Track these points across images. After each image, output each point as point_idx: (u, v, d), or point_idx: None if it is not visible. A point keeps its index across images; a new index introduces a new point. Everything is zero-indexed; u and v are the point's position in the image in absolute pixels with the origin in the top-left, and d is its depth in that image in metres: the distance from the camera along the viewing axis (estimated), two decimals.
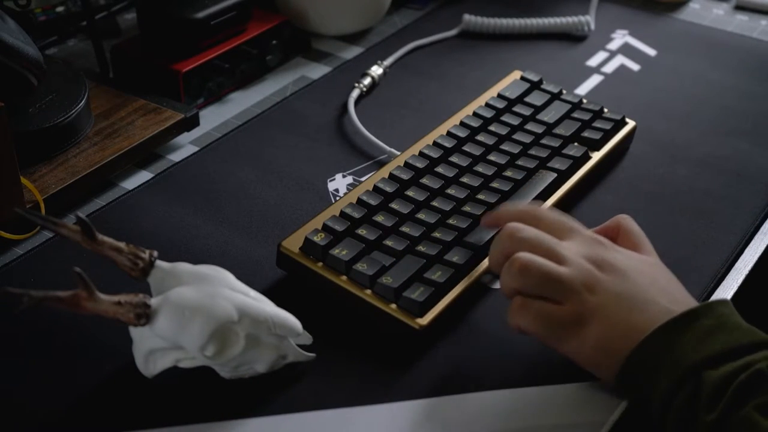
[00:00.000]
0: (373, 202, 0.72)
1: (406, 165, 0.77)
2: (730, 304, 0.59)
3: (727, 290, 0.71)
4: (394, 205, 0.72)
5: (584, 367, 0.61)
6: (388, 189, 0.74)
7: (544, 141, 0.81)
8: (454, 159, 0.78)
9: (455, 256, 0.68)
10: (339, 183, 0.81)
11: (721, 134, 0.89)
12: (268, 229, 0.76)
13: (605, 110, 0.86)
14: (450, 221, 0.71)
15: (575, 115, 0.85)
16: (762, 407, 0.53)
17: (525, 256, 0.60)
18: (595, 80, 0.98)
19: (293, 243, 0.69)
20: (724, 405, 0.53)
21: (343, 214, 0.71)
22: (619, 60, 1.01)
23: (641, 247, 0.65)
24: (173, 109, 0.85)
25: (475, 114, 0.84)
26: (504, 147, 0.80)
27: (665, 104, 0.94)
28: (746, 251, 0.75)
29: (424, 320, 0.64)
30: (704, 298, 0.70)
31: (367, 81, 0.93)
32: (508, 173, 0.77)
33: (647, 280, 0.61)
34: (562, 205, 0.77)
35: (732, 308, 0.59)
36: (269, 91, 0.95)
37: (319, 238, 0.68)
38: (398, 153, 0.81)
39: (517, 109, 0.85)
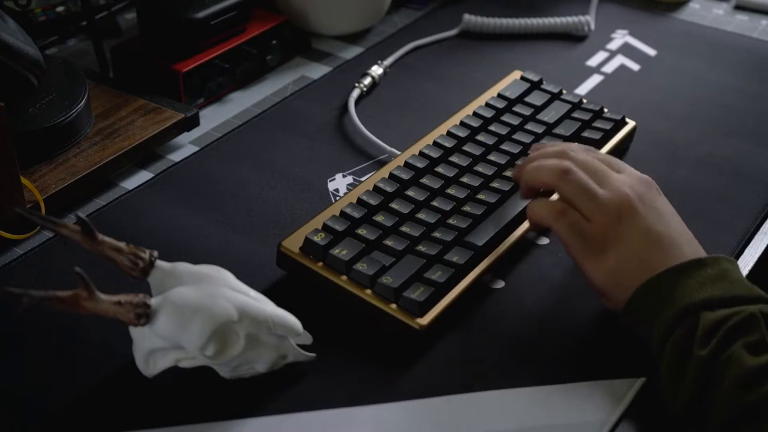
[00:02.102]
0: (373, 202, 0.72)
1: (406, 165, 0.77)
2: (735, 262, 0.63)
3: None
4: (394, 205, 0.72)
5: (593, 288, 0.65)
6: (388, 189, 0.74)
7: (544, 141, 0.81)
8: (454, 159, 0.78)
9: (455, 256, 0.68)
10: (339, 183, 0.81)
11: (721, 134, 0.89)
12: (268, 229, 0.76)
13: (605, 110, 0.86)
14: (450, 221, 0.71)
15: (575, 115, 0.85)
16: (750, 345, 0.56)
17: (570, 164, 0.64)
18: (595, 80, 0.98)
19: (293, 243, 0.69)
20: (716, 342, 0.57)
21: (343, 214, 0.71)
22: (619, 60, 1.01)
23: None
24: (173, 109, 0.85)
25: (475, 114, 0.84)
26: (504, 147, 0.80)
27: (665, 104, 0.94)
28: (746, 251, 0.75)
29: (424, 320, 0.64)
30: None
31: (367, 81, 0.94)
32: (509, 173, 0.77)
33: (679, 227, 0.65)
34: None
35: (737, 266, 0.62)
36: (269, 91, 0.95)
37: (319, 238, 0.68)
38: (398, 153, 0.81)
39: (517, 109, 0.85)
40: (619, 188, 0.64)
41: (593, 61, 1.01)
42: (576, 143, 0.70)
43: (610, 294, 0.64)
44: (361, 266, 0.66)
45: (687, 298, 0.60)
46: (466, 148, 0.79)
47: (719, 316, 0.58)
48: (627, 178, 0.66)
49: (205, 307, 0.57)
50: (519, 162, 0.70)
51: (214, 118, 0.91)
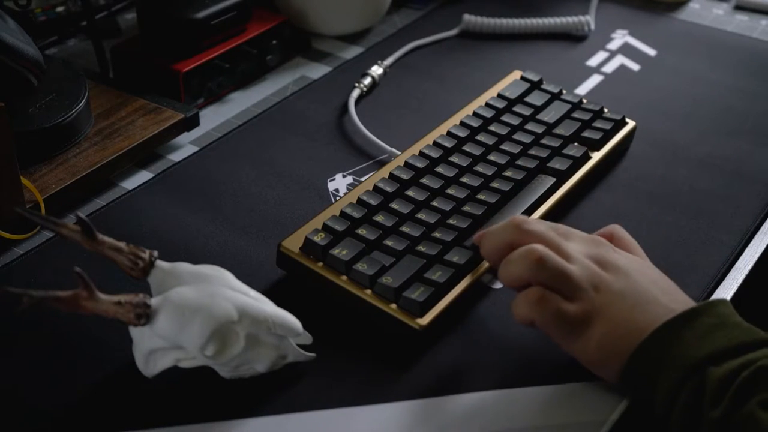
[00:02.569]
0: (373, 202, 0.72)
1: (407, 165, 0.77)
2: (730, 304, 0.60)
3: (727, 290, 0.71)
4: (394, 205, 0.72)
5: (588, 367, 0.61)
6: (389, 189, 0.74)
7: (544, 141, 0.81)
8: (454, 159, 0.78)
9: (455, 256, 0.68)
10: (339, 183, 0.81)
11: (721, 134, 0.89)
12: (268, 229, 0.76)
13: (605, 110, 0.86)
14: (450, 221, 0.71)
15: (575, 115, 0.85)
16: (765, 403, 0.53)
17: (541, 248, 0.60)
18: (595, 80, 0.98)
19: (293, 243, 0.69)
20: (729, 401, 0.54)
21: (343, 214, 0.71)
22: (619, 60, 1.01)
23: (636, 252, 0.66)
24: (173, 109, 0.85)
25: (475, 114, 0.84)
26: (504, 147, 0.80)
27: (665, 104, 0.94)
28: (746, 251, 0.75)
29: (424, 320, 0.64)
30: (704, 297, 0.70)
31: (367, 81, 0.93)
32: (508, 173, 0.77)
33: (647, 280, 0.62)
34: (563, 205, 0.77)
35: (731, 308, 0.60)
36: (269, 91, 0.95)
37: (319, 238, 0.68)
38: (398, 153, 0.81)
39: (517, 109, 0.85)
40: (583, 261, 0.61)
41: (593, 61, 1.01)
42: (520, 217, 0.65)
43: (604, 366, 0.60)
44: (361, 266, 0.66)
45: (689, 354, 0.56)
46: (466, 148, 0.79)
47: (727, 369, 0.55)
48: (581, 246, 0.63)
49: (205, 307, 0.57)
50: (474, 239, 0.67)
51: (214, 118, 0.91)
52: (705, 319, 0.58)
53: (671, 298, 0.60)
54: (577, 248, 0.62)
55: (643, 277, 0.61)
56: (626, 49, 1.03)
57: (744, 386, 0.54)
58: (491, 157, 0.79)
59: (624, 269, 0.61)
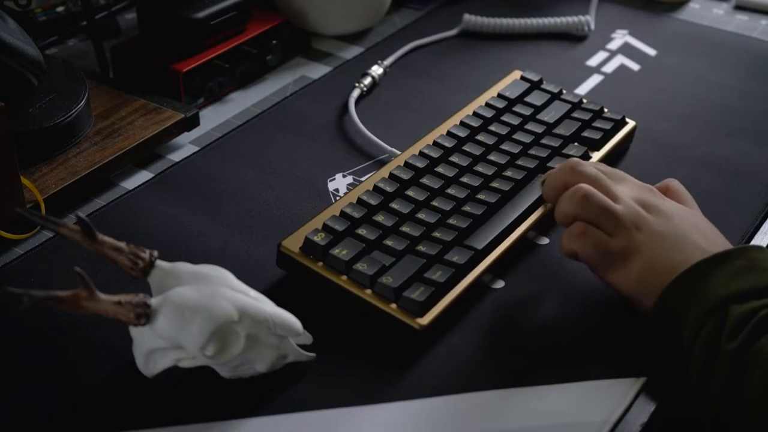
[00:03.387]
0: (373, 201, 0.72)
1: (407, 165, 0.77)
2: (765, 250, 0.63)
3: None
4: (394, 205, 0.72)
5: (624, 296, 0.65)
6: (389, 189, 0.74)
7: (544, 141, 0.81)
8: (454, 159, 0.78)
9: (455, 256, 0.68)
10: (339, 183, 0.81)
11: (721, 134, 0.89)
12: (268, 229, 0.76)
13: (605, 110, 0.86)
14: (450, 221, 0.71)
15: (575, 115, 0.85)
16: None
17: (588, 187, 0.66)
18: (595, 80, 0.98)
19: (293, 243, 0.69)
20: (744, 336, 0.57)
21: (343, 214, 0.71)
22: (619, 60, 1.01)
23: (688, 204, 0.70)
24: (173, 109, 0.85)
25: (475, 114, 0.84)
26: (504, 147, 0.80)
27: (665, 104, 0.94)
28: None
29: (424, 320, 0.64)
30: None
31: (367, 81, 0.93)
32: (509, 173, 0.77)
33: (690, 224, 0.66)
34: None
35: (766, 254, 0.62)
36: (269, 91, 0.95)
37: (319, 238, 0.68)
38: (398, 153, 0.81)
39: (517, 109, 0.85)
40: (628, 202, 0.66)
41: (593, 61, 1.01)
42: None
43: (640, 300, 0.64)
44: (361, 266, 0.66)
45: (715, 291, 0.60)
46: (466, 148, 0.79)
47: (748, 308, 0.58)
48: (630, 190, 0.68)
49: (205, 307, 0.57)
50: (542, 180, 0.72)
51: (214, 118, 0.91)
52: (736, 262, 0.61)
53: (710, 242, 0.64)
54: (626, 191, 0.68)
55: (686, 222, 0.66)
56: (626, 49, 1.03)
57: (760, 323, 0.57)
58: (491, 157, 0.79)
59: (667, 214, 0.66)
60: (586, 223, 0.66)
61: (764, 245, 0.76)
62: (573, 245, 0.66)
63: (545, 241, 0.75)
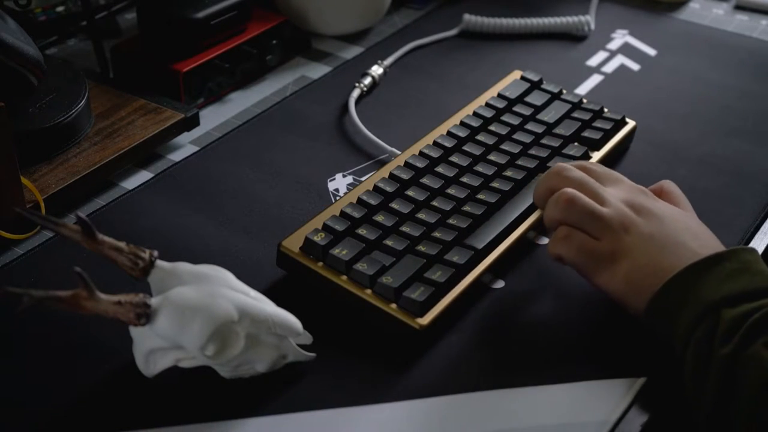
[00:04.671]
0: (373, 201, 0.72)
1: (407, 165, 0.77)
2: (756, 252, 0.63)
3: None
4: (394, 205, 0.72)
5: (614, 300, 0.64)
6: (389, 189, 0.74)
7: (544, 141, 0.81)
8: (454, 159, 0.78)
9: (455, 256, 0.68)
10: (339, 183, 0.81)
11: (721, 134, 0.89)
12: (268, 229, 0.76)
13: (605, 110, 0.86)
14: (450, 221, 0.71)
15: (575, 114, 0.85)
16: None
17: (572, 191, 0.65)
18: (595, 80, 0.98)
19: (293, 243, 0.69)
20: (737, 340, 0.56)
21: (343, 214, 0.71)
22: (619, 60, 1.01)
23: (681, 206, 0.69)
24: (173, 108, 0.85)
25: (475, 114, 0.84)
26: (504, 147, 0.80)
27: (665, 104, 0.94)
28: None
29: (424, 320, 0.64)
30: None
31: (367, 81, 0.93)
32: (509, 173, 0.77)
33: (681, 226, 0.65)
34: None
35: (757, 256, 0.62)
36: (269, 91, 0.95)
37: (319, 238, 0.68)
38: (398, 153, 0.81)
39: (517, 108, 0.85)
40: (617, 205, 0.65)
41: (593, 61, 1.01)
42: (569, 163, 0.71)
43: (629, 303, 0.64)
44: (361, 266, 0.66)
45: (706, 295, 0.59)
46: (466, 148, 0.79)
47: (740, 311, 0.57)
48: (620, 192, 0.67)
49: (205, 307, 0.57)
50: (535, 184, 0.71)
51: (214, 118, 0.91)
52: (728, 264, 0.60)
53: (701, 244, 0.63)
54: (615, 193, 0.67)
55: (677, 223, 0.65)
56: (626, 49, 1.03)
57: (753, 327, 0.56)
58: (491, 157, 0.79)
59: (658, 215, 0.65)
60: (571, 227, 0.65)
61: (763, 245, 0.76)
62: (558, 249, 0.66)
63: (545, 241, 0.75)
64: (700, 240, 0.64)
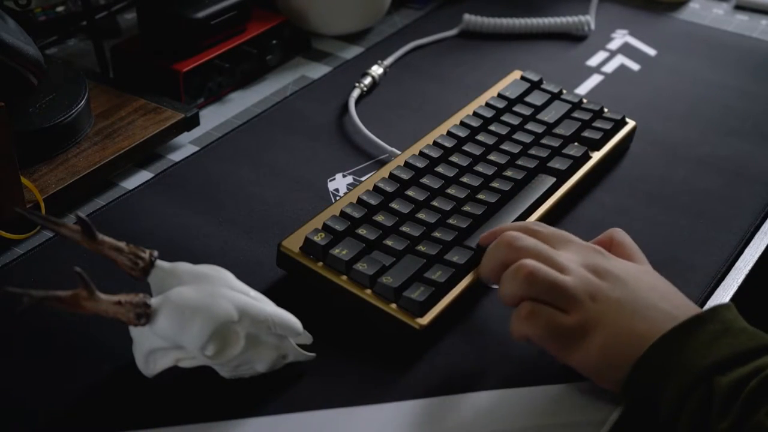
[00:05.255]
0: (373, 201, 0.72)
1: (407, 165, 0.77)
2: (734, 309, 0.59)
3: (727, 290, 0.71)
4: (394, 205, 0.72)
5: (589, 377, 0.60)
6: (389, 189, 0.74)
7: (544, 141, 0.81)
8: (454, 159, 0.78)
9: (455, 256, 0.68)
10: (339, 183, 0.81)
11: (721, 134, 0.89)
12: (268, 229, 0.76)
13: (605, 110, 0.86)
14: (450, 221, 0.71)
15: (575, 114, 0.85)
16: None
17: (531, 263, 0.60)
18: (595, 80, 0.98)
19: (293, 243, 0.69)
20: (737, 412, 0.53)
21: (343, 214, 0.71)
22: (619, 60, 1.01)
23: (635, 258, 0.65)
24: (173, 108, 0.85)
25: (475, 114, 0.84)
26: (504, 147, 0.80)
27: (665, 104, 0.94)
28: (746, 251, 0.75)
29: (425, 320, 0.64)
30: (704, 297, 0.70)
31: (367, 81, 0.93)
32: (509, 173, 0.77)
33: (646, 286, 0.61)
34: (563, 205, 0.77)
35: (736, 312, 0.59)
36: (269, 90, 0.95)
37: (319, 238, 0.68)
38: (398, 153, 0.81)
39: (517, 108, 0.85)
40: (577, 270, 0.60)
41: (593, 61, 1.01)
42: (515, 224, 0.66)
43: (606, 375, 0.59)
44: (361, 266, 0.66)
45: (695, 363, 0.55)
46: (466, 148, 0.79)
47: (734, 378, 0.54)
48: (575, 255, 0.62)
49: (205, 307, 0.57)
50: (480, 239, 0.68)
51: (214, 118, 0.91)
52: (709, 326, 0.57)
53: (672, 304, 0.60)
54: (572, 258, 0.62)
55: (641, 283, 0.61)
56: (626, 49, 1.03)
57: (752, 396, 0.53)
58: (491, 157, 0.79)
59: (621, 277, 0.60)
60: (534, 302, 0.60)
61: (763, 245, 0.76)
62: (523, 329, 0.60)
63: None
64: (669, 300, 0.60)
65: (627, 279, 0.61)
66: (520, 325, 0.60)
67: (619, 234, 0.66)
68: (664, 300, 0.60)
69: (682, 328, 0.57)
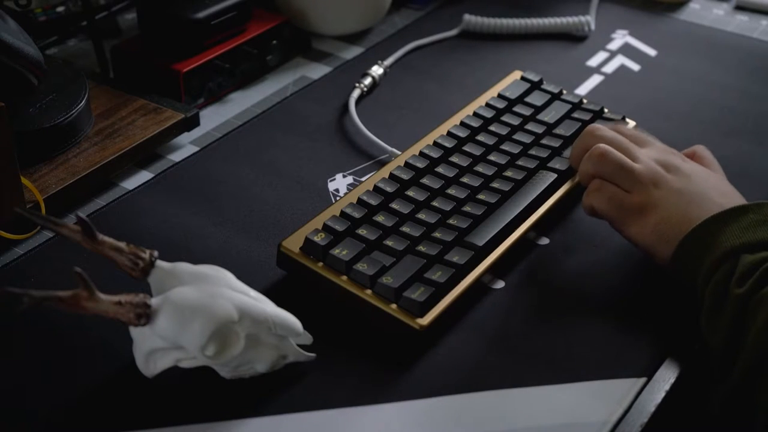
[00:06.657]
0: (373, 202, 0.72)
1: (407, 165, 0.77)
2: None
3: None
4: (394, 205, 0.72)
5: (642, 249, 0.68)
6: (389, 189, 0.74)
7: (544, 141, 0.81)
8: (454, 159, 0.78)
9: (455, 256, 0.68)
10: (339, 183, 0.81)
11: (721, 134, 0.89)
12: (268, 229, 0.76)
13: (605, 110, 0.86)
14: (450, 221, 0.71)
15: (575, 115, 0.85)
16: None
17: (605, 146, 0.70)
18: (595, 80, 0.98)
19: (293, 243, 0.69)
20: (753, 282, 0.60)
21: (343, 214, 0.71)
22: (620, 60, 1.01)
23: (712, 168, 0.73)
24: (173, 109, 0.85)
25: (475, 114, 0.84)
26: (504, 147, 0.80)
27: (665, 104, 0.94)
28: None
29: (425, 320, 0.64)
30: None
31: (367, 81, 0.93)
32: (509, 173, 0.77)
33: (709, 184, 0.69)
34: (562, 205, 0.77)
35: None
36: (269, 91, 0.95)
37: (319, 238, 0.68)
38: (398, 153, 0.81)
39: (517, 109, 0.85)
40: (648, 162, 0.69)
41: (593, 61, 1.01)
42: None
43: (657, 250, 0.67)
44: (361, 266, 0.66)
45: (728, 242, 0.63)
46: (466, 148, 0.79)
47: (759, 257, 0.61)
48: (652, 152, 0.71)
49: (205, 307, 0.57)
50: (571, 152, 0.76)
51: (214, 118, 0.91)
52: (750, 216, 0.64)
53: (728, 200, 0.67)
54: (648, 153, 0.71)
55: (705, 182, 0.69)
56: (626, 49, 1.03)
57: (767, 272, 0.60)
58: (491, 158, 0.79)
59: (687, 173, 0.69)
60: (603, 180, 0.69)
61: None
62: (590, 200, 0.70)
63: (545, 241, 0.75)
64: (726, 197, 0.67)
65: (692, 175, 0.69)
66: (588, 197, 0.70)
67: (702, 149, 0.75)
68: (722, 197, 0.68)
69: (726, 214, 0.65)
